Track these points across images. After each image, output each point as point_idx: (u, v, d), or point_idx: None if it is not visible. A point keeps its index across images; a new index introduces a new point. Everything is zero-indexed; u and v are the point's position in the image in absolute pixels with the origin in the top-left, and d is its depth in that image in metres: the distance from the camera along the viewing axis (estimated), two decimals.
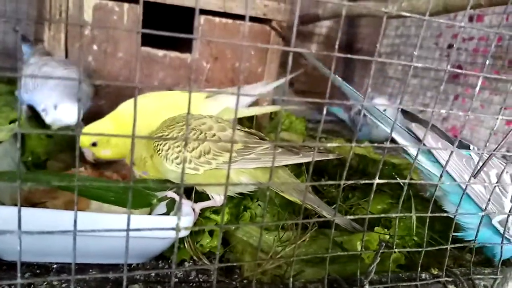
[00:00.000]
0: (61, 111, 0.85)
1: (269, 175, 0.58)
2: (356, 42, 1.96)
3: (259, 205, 0.74)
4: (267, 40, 1.29)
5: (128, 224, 0.37)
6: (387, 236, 0.66)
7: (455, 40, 1.60)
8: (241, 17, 1.24)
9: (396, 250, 0.50)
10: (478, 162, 0.58)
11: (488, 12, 1.50)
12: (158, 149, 0.67)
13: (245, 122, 1.19)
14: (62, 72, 0.90)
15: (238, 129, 0.69)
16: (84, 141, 0.83)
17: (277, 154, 0.64)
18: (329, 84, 0.42)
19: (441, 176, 0.51)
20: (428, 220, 0.67)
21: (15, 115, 0.89)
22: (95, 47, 1.14)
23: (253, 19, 1.25)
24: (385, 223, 0.69)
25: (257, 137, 0.68)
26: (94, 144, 0.84)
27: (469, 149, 0.65)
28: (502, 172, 0.59)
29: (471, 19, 1.56)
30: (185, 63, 1.22)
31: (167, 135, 0.67)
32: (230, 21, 1.24)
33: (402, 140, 0.66)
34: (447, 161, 0.49)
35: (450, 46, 1.63)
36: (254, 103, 1.32)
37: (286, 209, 0.71)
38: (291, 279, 0.43)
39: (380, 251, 0.47)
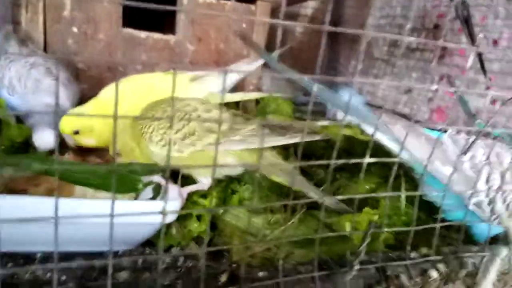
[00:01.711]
0: (39, 138, 0.81)
1: (258, 157, 0.57)
2: (342, 23, 1.95)
3: (247, 188, 0.73)
4: (252, 20, 1.27)
5: (112, 209, 0.35)
6: (376, 217, 0.66)
7: (441, 19, 1.59)
8: None
9: (385, 230, 0.50)
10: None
11: None
12: (143, 132, 0.66)
13: (231, 106, 1.17)
14: (50, 82, 0.86)
15: (224, 110, 0.68)
16: (65, 128, 0.80)
17: (264, 136, 0.63)
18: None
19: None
20: (417, 200, 0.67)
21: None
22: (74, 29, 1.10)
23: None
24: (373, 203, 0.69)
25: (243, 119, 0.67)
26: (76, 132, 0.82)
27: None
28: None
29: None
30: (168, 44, 1.19)
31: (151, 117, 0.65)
32: (214, 0, 1.21)
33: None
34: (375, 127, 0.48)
35: (436, 27, 1.62)
36: (240, 85, 1.31)
37: (275, 192, 0.71)
38: (281, 261, 0.42)
39: (370, 231, 0.47)
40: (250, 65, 1.12)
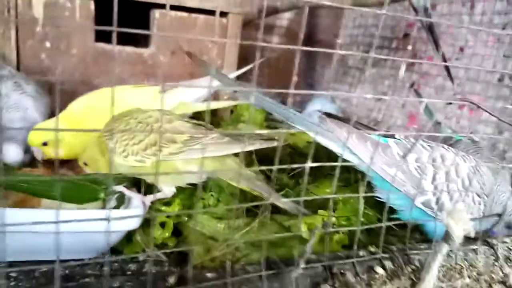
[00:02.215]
0: (6, 153, 0.83)
1: (219, 164, 0.60)
2: (317, 33, 2.00)
3: (212, 195, 0.75)
4: (224, 33, 1.30)
5: (57, 218, 0.37)
6: (333, 218, 0.69)
7: (410, 29, 1.65)
8: (196, 11, 1.24)
9: (332, 230, 0.52)
10: (413, 144, 0.61)
11: (439, 1, 1.56)
12: (107, 144, 0.68)
13: (205, 115, 1.20)
14: (17, 97, 0.87)
15: (185, 120, 0.70)
16: (34, 140, 0.82)
17: (223, 144, 0.66)
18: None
19: (371, 158, 0.53)
20: (361, 202, 0.70)
21: None
22: (47, 44, 1.12)
23: (208, 12, 1.26)
24: (333, 206, 0.72)
25: (204, 128, 0.70)
26: (45, 144, 0.83)
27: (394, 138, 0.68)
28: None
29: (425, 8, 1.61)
30: (142, 57, 1.22)
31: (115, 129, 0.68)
32: (185, 14, 1.24)
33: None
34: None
35: (405, 35, 1.68)
36: (214, 95, 1.33)
37: (239, 198, 0.73)
38: (228, 262, 0.45)
39: (315, 231, 0.49)
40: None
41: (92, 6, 1.12)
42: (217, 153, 0.66)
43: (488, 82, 1.35)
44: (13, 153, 0.80)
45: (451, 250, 0.59)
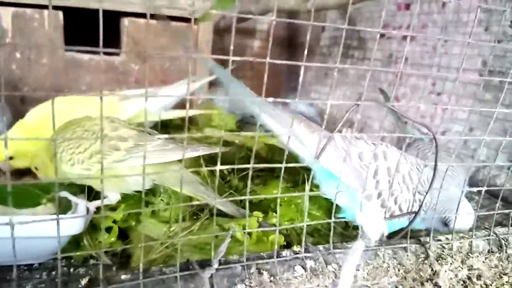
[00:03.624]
0: None
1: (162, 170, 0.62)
2: (298, 36, 2.01)
3: (162, 200, 0.77)
4: (194, 39, 1.32)
5: None
6: (274, 220, 0.71)
7: (386, 30, 1.66)
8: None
9: (253, 230, 0.54)
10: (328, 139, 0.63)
11: (413, 1, 1.58)
12: (55, 152, 0.70)
13: (179, 120, 1.22)
14: None
15: (131, 128, 0.72)
16: None
17: (166, 150, 0.68)
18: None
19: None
20: (320, 204, 0.71)
21: None
22: (17, 54, 1.15)
23: (178, 18, 1.28)
24: (276, 207, 0.74)
25: (150, 135, 0.72)
26: (11, 158, 0.85)
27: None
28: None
29: (399, 7, 1.63)
30: (112, 65, 1.24)
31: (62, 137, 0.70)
32: (155, 22, 1.26)
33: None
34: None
35: (382, 36, 1.69)
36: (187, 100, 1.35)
37: (186, 202, 0.75)
38: (141, 263, 0.47)
39: (230, 232, 0.51)
40: (194, 83, 1.17)
41: (61, 16, 1.15)
42: (160, 160, 0.68)
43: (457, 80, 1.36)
44: None
45: (378, 249, 0.60)
